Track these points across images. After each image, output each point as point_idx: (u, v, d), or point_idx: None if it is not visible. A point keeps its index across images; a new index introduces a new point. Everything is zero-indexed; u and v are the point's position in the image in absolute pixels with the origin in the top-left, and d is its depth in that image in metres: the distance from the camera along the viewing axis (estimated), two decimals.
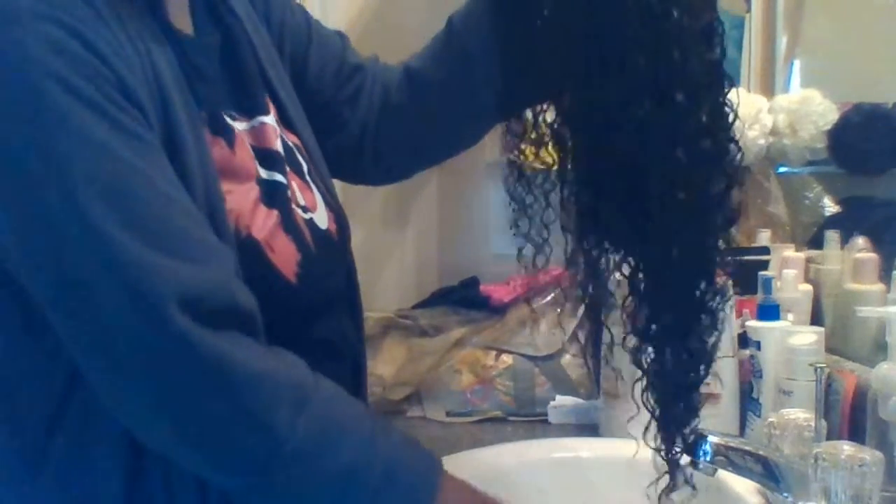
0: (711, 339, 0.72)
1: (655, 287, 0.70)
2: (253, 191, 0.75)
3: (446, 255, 1.52)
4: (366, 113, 0.93)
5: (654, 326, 0.70)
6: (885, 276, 1.05)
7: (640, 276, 0.71)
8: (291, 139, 0.84)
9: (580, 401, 1.26)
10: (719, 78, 0.69)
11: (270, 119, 0.81)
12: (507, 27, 0.80)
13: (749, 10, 1.50)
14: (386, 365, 1.35)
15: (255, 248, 0.72)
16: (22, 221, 0.63)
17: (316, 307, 0.77)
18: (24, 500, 0.72)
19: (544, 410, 1.26)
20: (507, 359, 1.31)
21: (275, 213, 0.75)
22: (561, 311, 1.34)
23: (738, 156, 0.70)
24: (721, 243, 0.70)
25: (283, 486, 0.67)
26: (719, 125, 0.69)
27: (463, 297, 1.43)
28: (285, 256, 0.74)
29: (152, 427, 0.66)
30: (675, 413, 0.74)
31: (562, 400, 1.26)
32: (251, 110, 0.79)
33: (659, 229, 0.68)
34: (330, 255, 0.81)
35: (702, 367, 0.72)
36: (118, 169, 0.62)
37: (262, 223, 0.74)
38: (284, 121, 0.84)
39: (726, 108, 0.69)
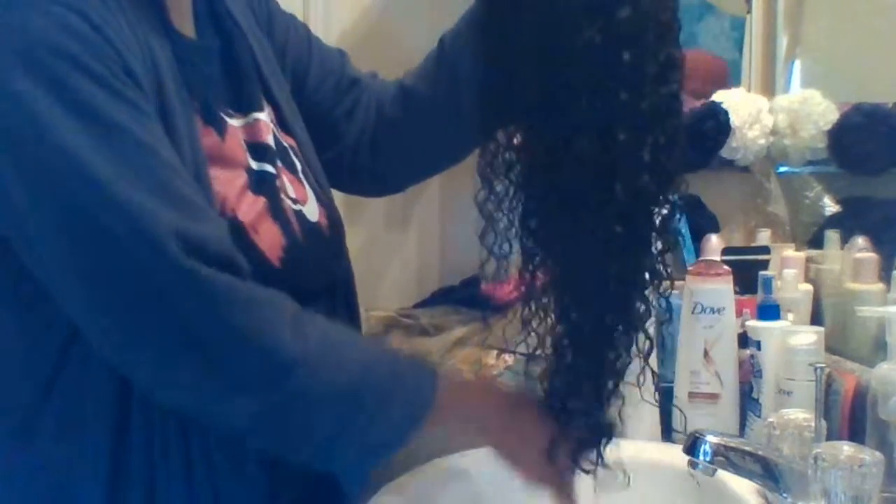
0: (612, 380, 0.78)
1: (581, 315, 0.76)
2: (241, 178, 0.78)
3: (448, 255, 1.52)
4: (361, 127, 0.97)
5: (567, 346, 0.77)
6: (885, 276, 1.05)
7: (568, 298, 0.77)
8: (287, 141, 0.88)
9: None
10: (674, 109, 0.72)
11: (264, 116, 0.85)
12: (484, 50, 0.82)
13: (749, 10, 1.50)
14: None
15: (240, 229, 0.75)
16: (30, 178, 0.66)
17: (302, 295, 0.78)
18: (15, 465, 0.75)
19: None
20: (508, 358, 1.31)
21: (262, 199, 0.79)
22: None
23: (682, 185, 0.74)
24: (657, 270, 0.76)
25: (293, 400, 0.70)
26: (664, 158, 0.72)
27: (464, 296, 1.43)
28: (270, 240, 0.77)
29: (166, 364, 0.69)
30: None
31: None
32: (246, 107, 0.83)
33: (593, 257, 0.73)
34: (319, 246, 0.84)
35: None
36: (123, 138, 0.66)
37: (249, 208, 0.77)
38: (281, 124, 0.88)
39: (676, 137, 0.72)
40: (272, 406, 0.70)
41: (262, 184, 0.80)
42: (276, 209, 0.80)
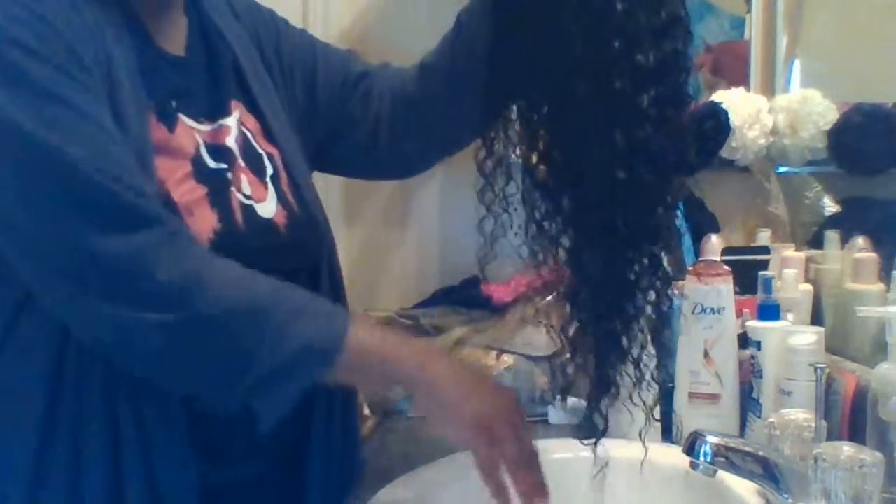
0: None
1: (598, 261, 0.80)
2: (184, 167, 0.83)
3: (448, 255, 1.53)
4: (377, 112, 1.00)
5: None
6: (885, 276, 1.05)
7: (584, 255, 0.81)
8: (267, 148, 0.93)
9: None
10: (678, 65, 0.76)
11: (231, 121, 0.90)
12: (495, 23, 0.87)
13: (749, 10, 1.50)
14: None
15: (173, 209, 0.80)
16: None
17: None
18: None
19: (545, 411, 1.26)
20: (507, 359, 1.32)
21: (203, 187, 0.83)
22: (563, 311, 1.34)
23: (691, 145, 0.80)
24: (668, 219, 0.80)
25: (202, 312, 0.75)
26: (669, 111, 0.76)
27: (464, 297, 1.43)
28: (202, 223, 0.82)
29: (82, 293, 0.75)
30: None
31: None
32: (215, 115, 0.89)
33: (600, 206, 0.77)
34: (265, 239, 0.87)
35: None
36: (67, 110, 0.74)
37: (186, 192, 0.82)
38: (266, 134, 0.93)
39: (682, 93, 0.77)
40: (181, 321, 0.74)
41: (209, 176, 0.85)
42: (217, 198, 0.84)
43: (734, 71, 1.52)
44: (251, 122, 0.93)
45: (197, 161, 0.85)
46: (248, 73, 0.94)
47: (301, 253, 0.92)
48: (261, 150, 0.92)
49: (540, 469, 0.83)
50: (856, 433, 0.92)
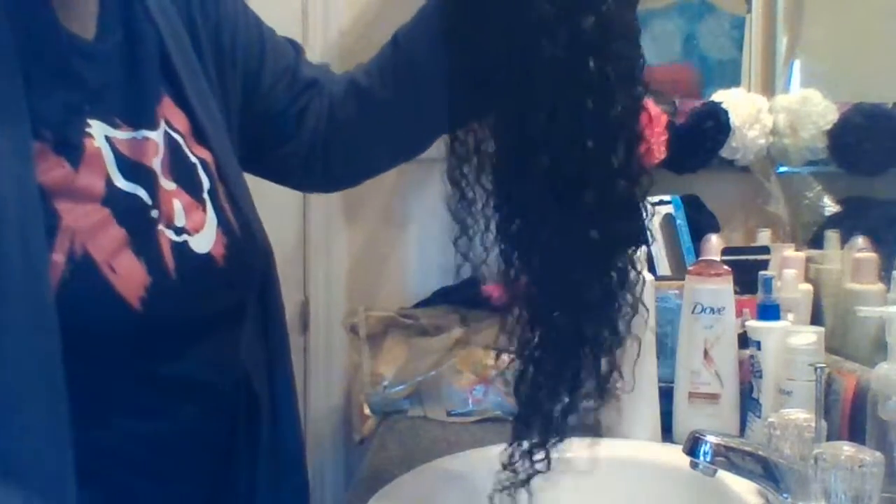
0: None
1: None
2: (97, 212, 0.70)
3: (448, 255, 1.52)
4: (313, 130, 0.93)
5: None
6: (885, 276, 1.05)
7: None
8: (201, 154, 0.81)
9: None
10: (638, 111, 0.72)
11: (156, 135, 0.78)
12: (453, 36, 0.81)
13: (749, 10, 1.50)
14: (386, 364, 1.35)
15: (91, 267, 0.68)
16: None
17: (171, 336, 0.73)
18: None
19: None
20: (507, 359, 1.31)
21: (122, 231, 0.71)
22: None
23: (649, 185, 0.74)
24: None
25: None
26: (633, 160, 0.72)
27: (464, 297, 1.43)
28: (129, 279, 0.70)
29: None
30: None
31: None
32: (138, 123, 0.76)
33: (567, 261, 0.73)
34: (203, 281, 0.76)
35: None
36: None
37: (105, 242, 0.70)
38: (198, 135, 0.82)
39: (640, 138, 0.73)
40: None
41: (129, 214, 0.72)
42: (139, 241, 0.72)
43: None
44: (181, 120, 0.81)
45: (110, 198, 0.71)
46: (176, 58, 0.81)
47: (240, 285, 0.82)
48: (193, 159, 0.80)
49: None
50: (856, 433, 0.92)
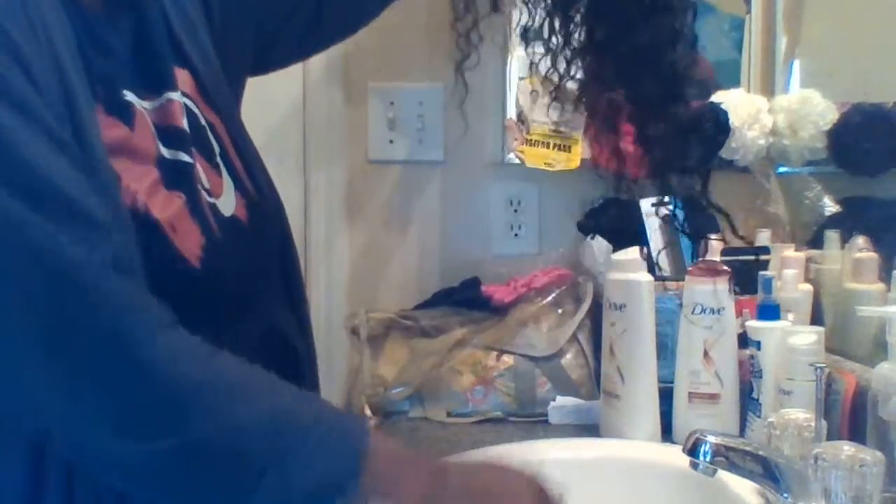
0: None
1: None
2: (151, 173, 0.71)
3: (447, 256, 1.53)
4: None
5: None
6: (885, 276, 1.05)
7: None
8: (209, 117, 0.81)
9: (581, 401, 1.26)
10: None
11: (178, 95, 0.77)
12: None
13: (749, 11, 1.50)
14: (387, 365, 1.35)
15: (155, 227, 0.69)
16: None
17: (226, 297, 0.75)
18: None
19: (545, 411, 1.26)
20: (507, 359, 1.32)
21: (179, 195, 0.73)
22: (562, 311, 1.34)
23: None
24: None
25: (205, 436, 0.63)
26: None
27: (464, 298, 1.43)
28: (189, 239, 0.72)
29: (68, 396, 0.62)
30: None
31: (562, 400, 1.26)
32: (158, 87, 0.76)
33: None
34: (238, 242, 0.78)
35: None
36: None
37: (164, 205, 0.71)
38: (202, 94, 0.81)
39: None
40: (182, 447, 0.63)
41: (178, 177, 0.73)
42: (194, 205, 0.74)
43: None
44: (187, 80, 0.79)
45: (161, 160, 0.73)
46: (174, 19, 0.79)
47: (265, 247, 0.83)
48: (203, 121, 0.79)
49: None
50: (856, 433, 0.92)
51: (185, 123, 0.76)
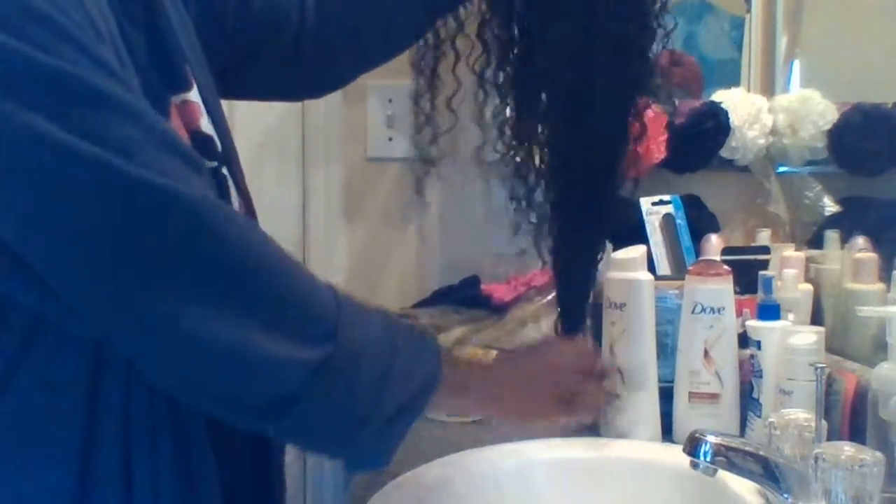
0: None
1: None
2: None
3: (447, 254, 1.52)
4: (300, 9, 0.92)
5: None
6: (885, 276, 1.05)
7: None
8: (208, 130, 0.80)
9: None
10: None
11: (194, 95, 0.77)
12: None
13: (749, 10, 1.50)
14: None
15: None
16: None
17: None
18: None
19: None
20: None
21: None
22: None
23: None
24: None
25: (339, 352, 0.67)
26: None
27: (464, 296, 1.43)
28: None
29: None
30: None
31: None
32: (176, 86, 0.75)
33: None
34: None
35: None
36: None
37: None
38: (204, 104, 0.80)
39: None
40: (329, 357, 0.67)
41: (218, 187, 0.75)
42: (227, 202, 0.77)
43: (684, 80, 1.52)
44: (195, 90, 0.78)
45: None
46: (179, 30, 0.78)
47: None
48: (206, 131, 0.78)
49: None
50: (856, 433, 0.92)
51: (204, 125, 0.76)
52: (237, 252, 0.64)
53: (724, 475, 0.83)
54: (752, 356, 1.06)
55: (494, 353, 1.32)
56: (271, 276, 0.67)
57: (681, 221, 1.39)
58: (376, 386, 0.70)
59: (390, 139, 1.49)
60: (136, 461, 0.68)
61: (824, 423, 0.81)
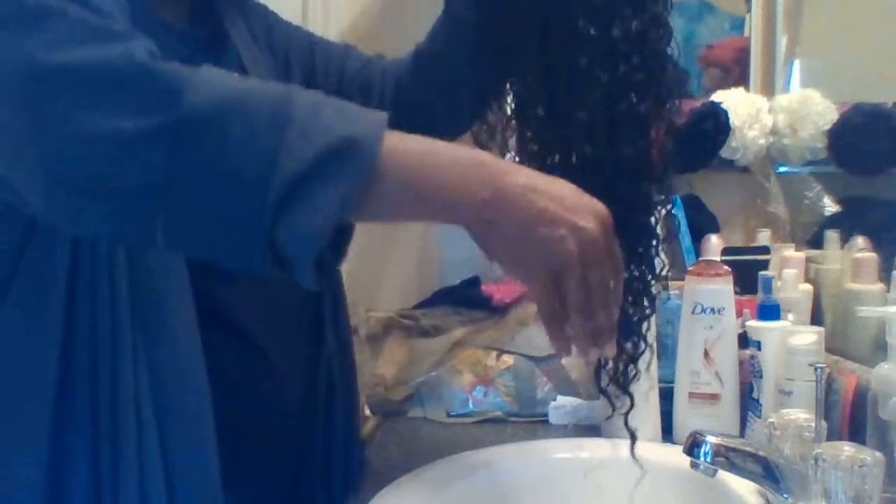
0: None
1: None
2: None
3: (448, 255, 1.53)
4: (379, 96, 0.98)
5: None
6: (885, 276, 1.05)
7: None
8: None
9: (581, 401, 1.26)
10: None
11: None
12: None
13: (749, 10, 1.50)
14: (387, 365, 1.35)
15: None
16: None
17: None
18: None
19: (545, 411, 1.26)
20: (508, 359, 1.32)
21: None
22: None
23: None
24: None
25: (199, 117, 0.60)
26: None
27: (464, 297, 1.43)
28: None
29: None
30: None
31: (563, 400, 1.26)
32: None
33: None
34: None
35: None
36: None
37: None
38: None
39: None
40: (173, 125, 0.60)
41: None
42: None
43: (735, 66, 1.52)
44: None
45: None
46: (250, 68, 0.87)
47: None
48: None
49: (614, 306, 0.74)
50: (856, 433, 0.92)
51: None
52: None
53: (724, 475, 0.84)
54: (752, 356, 1.06)
55: (494, 353, 1.32)
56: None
57: (681, 222, 1.39)
58: (261, 140, 0.60)
59: None
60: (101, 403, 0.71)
61: (824, 423, 0.81)
